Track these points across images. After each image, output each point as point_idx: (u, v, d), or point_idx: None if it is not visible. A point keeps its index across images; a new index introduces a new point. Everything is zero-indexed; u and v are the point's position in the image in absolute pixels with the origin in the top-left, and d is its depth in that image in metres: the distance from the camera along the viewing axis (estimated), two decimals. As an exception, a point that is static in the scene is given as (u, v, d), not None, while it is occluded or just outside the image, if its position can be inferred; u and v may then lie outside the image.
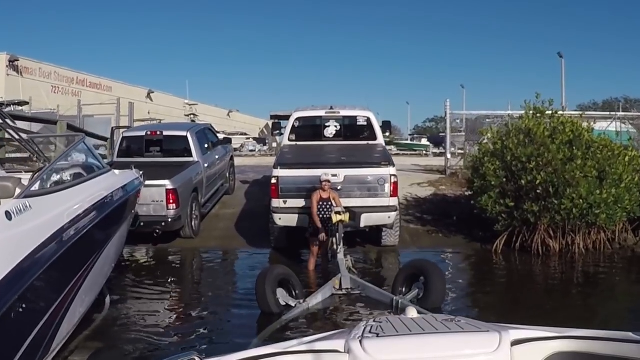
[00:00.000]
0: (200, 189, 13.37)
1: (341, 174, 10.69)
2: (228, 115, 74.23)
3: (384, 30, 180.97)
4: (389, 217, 10.88)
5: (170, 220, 11.81)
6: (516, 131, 12.28)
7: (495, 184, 11.75)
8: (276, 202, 10.89)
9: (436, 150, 43.62)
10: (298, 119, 13.60)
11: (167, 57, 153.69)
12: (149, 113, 48.25)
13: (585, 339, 3.09)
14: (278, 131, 14.68)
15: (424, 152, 44.44)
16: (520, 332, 3.12)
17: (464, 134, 43.45)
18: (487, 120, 20.85)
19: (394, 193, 10.87)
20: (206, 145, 14.76)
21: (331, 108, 13.68)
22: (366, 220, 10.66)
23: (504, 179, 11.75)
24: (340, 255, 9.16)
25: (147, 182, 11.48)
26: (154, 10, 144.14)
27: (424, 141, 55.69)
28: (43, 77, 43.41)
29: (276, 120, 15.32)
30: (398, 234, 11.97)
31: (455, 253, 12.38)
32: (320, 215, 9.92)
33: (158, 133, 13.99)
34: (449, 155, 20.62)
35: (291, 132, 13.46)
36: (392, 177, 10.84)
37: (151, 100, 57.06)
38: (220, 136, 18.72)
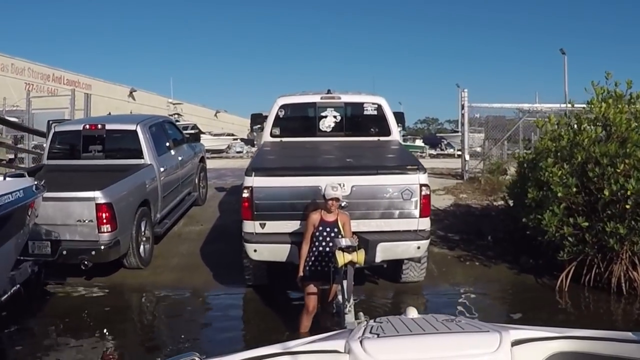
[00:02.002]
0: (153, 201, 9.94)
1: (347, 183, 7.24)
2: (215, 115, 71.35)
3: (375, 28, 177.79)
4: (419, 248, 7.45)
5: (103, 247, 8.40)
6: (589, 122, 8.84)
7: (562, 196, 8.33)
8: (249, 226, 7.45)
9: (433, 152, 41.49)
10: (284, 106, 10.20)
11: (151, 53, 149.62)
12: (131, 113, 45.68)
13: (585, 339, 3.09)
14: (259, 125, 11.24)
15: (420, 153, 41.58)
16: (521, 332, 3.13)
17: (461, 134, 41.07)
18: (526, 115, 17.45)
19: (426, 211, 7.46)
20: (167, 144, 11.33)
21: (328, 92, 10.30)
22: (384, 252, 7.24)
23: (574, 189, 8.34)
24: (350, 317, 5.69)
25: (69, 194, 8.40)
26: (135, 4, 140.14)
27: (419, 142, 53.27)
28: (15, 74, 40.44)
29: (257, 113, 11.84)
30: (425, 266, 8.54)
31: (504, 292, 8.98)
32: (319, 248, 6.52)
33: (99, 127, 10.49)
34: (467, 157, 17.15)
35: (274, 125, 10.07)
36: (423, 189, 7.43)
37: (134, 99, 54.58)
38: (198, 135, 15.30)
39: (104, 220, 8.31)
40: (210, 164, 24.25)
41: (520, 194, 9.83)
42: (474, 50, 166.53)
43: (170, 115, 53.10)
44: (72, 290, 8.96)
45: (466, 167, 17.04)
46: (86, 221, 8.32)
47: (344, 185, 6.98)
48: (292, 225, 7.32)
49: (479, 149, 20.11)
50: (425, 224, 7.50)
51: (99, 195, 8.26)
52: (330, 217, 6.58)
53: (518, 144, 20.20)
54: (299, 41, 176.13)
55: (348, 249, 5.70)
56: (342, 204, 6.84)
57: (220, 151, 39.34)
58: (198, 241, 10.82)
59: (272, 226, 7.40)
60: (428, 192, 7.46)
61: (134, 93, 54.71)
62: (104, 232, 8.35)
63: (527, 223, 9.03)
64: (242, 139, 48.77)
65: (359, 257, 5.74)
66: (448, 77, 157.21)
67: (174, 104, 58.13)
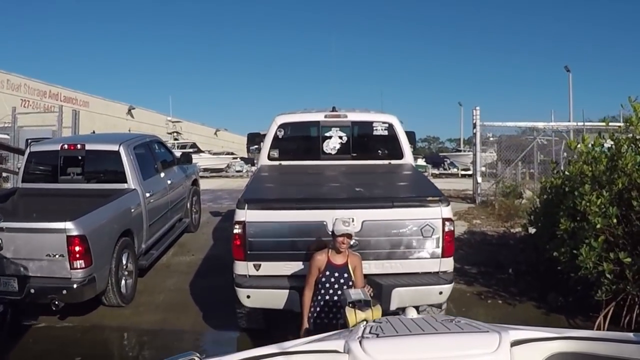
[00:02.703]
0: (137, 231, 8.91)
1: (357, 218, 6.12)
2: (215, 134, 70.59)
3: (377, 47, 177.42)
4: (441, 293, 6.34)
5: (75, 285, 7.33)
6: (629, 143, 7.79)
7: (602, 228, 7.28)
8: (242, 267, 6.34)
9: (435, 171, 40.67)
10: (283, 125, 9.17)
11: (150, 71, 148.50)
12: (129, 131, 44.94)
13: (585, 339, 3.08)
14: (256, 146, 10.20)
15: (422, 172, 40.42)
16: (520, 332, 3.11)
17: (469, 153, 40.23)
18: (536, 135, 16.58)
19: (449, 250, 6.36)
20: (154, 166, 10.30)
21: (333, 110, 9.28)
22: (401, 299, 6.12)
23: (615, 220, 7.29)
24: None
25: (37, 225, 7.38)
26: (133, 21, 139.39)
27: (420, 161, 52.21)
28: (11, 90, 39.61)
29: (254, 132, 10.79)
30: (445, 307, 7.45)
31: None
32: (326, 297, 5.46)
33: (78, 147, 9.46)
34: (479, 179, 16.13)
35: (273, 146, 9.03)
36: (447, 224, 6.31)
37: (132, 116, 53.95)
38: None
39: (77, 255, 7.25)
40: (208, 184, 23.29)
41: (546, 222, 8.84)
42: (475, 68, 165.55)
43: (168, 133, 52.53)
44: (43, 331, 7.90)
45: (478, 190, 16.03)
46: (56, 256, 7.26)
47: (353, 220, 5.90)
48: (293, 267, 6.22)
49: (482, 169, 19.26)
50: (448, 265, 6.40)
51: (70, 227, 7.20)
52: (338, 259, 5.50)
53: (531, 164, 19.26)
54: (301, 60, 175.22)
55: (360, 305, 4.58)
56: (351, 242, 5.76)
57: (219, 170, 38.74)
58: (188, 274, 9.77)
59: (269, 268, 6.30)
60: (452, 228, 6.35)
61: (132, 111, 54.25)
62: (76, 269, 7.29)
63: (558, 257, 7.99)
64: (242, 158, 48.07)
65: (375, 314, 4.61)
66: (448, 95, 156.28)
67: (173, 122, 57.35)
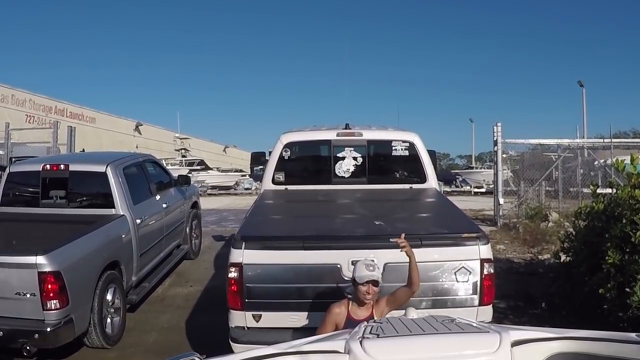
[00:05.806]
0: (125, 263, 7.92)
1: (378, 259, 5.03)
2: (224, 150, 70.00)
3: (382, 55, 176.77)
4: None
5: (49, 329, 6.30)
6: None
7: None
8: (239, 319, 5.35)
9: (447, 188, 39.66)
10: (290, 145, 8.22)
11: (157, 86, 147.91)
12: (137, 147, 44.33)
13: (585, 339, 3.06)
14: (260, 167, 9.25)
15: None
16: (521, 332, 3.09)
17: (481, 170, 39.01)
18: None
19: (488, 297, 5.37)
20: (148, 188, 9.34)
21: (346, 127, 8.31)
22: None
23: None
24: None
25: (3, 259, 6.34)
26: (141, 36, 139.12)
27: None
28: (16, 105, 39.02)
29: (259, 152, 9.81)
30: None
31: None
32: None
33: (61, 168, 8.51)
34: (501, 200, 15.10)
35: (278, 169, 8.08)
36: (486, 265, 5.29)
37: (139, 133, 53.52)
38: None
39: (51, 294, 6.25)
40: (214, 202, 22.40)
41: (586, 251, 7.82)
42: (485, 83, 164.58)
43: (176, 150, 51.91)
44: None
45: (500, 212, 15.00)
46: (27, 294, 6.26)
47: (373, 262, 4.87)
48: (300, 319, 5.21)
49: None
50: (486, 314, 5.40)
51: (42, 261, 6.20)
52: (361, 313, 4.49)
53: (548, 181, 18.30)
54: (313, 76, 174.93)
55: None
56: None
57: (228, 187, 38.11)
58: (185, 309, 8.77)
59: (271, 319, 5.29)
60: (492, 270, 5.34)
61: (140, 127, 53.80)
62: (50, 310, 6.29)
63: (603, 294, 6.98)
64: (250, 175, 47.35)
65: None
66: (457, 110, 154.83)
67: (181, 139, 56.75)
